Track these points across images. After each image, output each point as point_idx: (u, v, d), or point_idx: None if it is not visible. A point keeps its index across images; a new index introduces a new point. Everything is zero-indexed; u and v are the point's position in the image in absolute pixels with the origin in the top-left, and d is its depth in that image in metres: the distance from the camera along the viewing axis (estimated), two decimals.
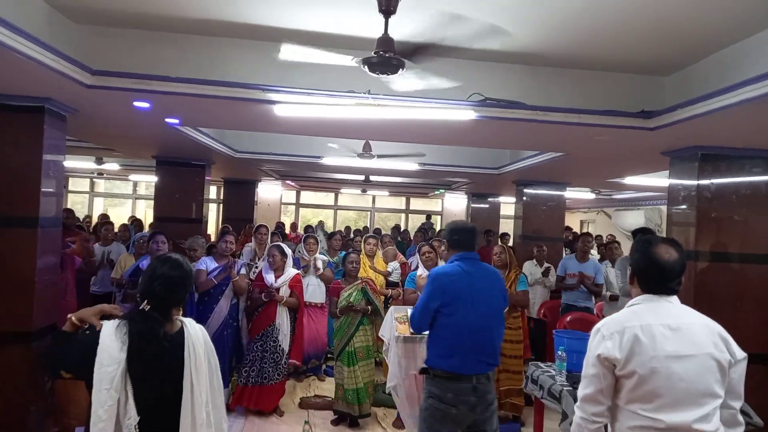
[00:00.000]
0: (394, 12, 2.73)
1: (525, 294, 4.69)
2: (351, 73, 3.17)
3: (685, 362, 1.81)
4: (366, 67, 2.78)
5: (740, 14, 2.87)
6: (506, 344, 4.67)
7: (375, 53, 2.75)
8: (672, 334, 1.84)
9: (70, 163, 9.76)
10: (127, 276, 4.64)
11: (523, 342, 4.86)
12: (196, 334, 1.95)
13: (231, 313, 4.63)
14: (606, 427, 1.92)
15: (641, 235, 2.09)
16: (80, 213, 12.58)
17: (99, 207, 14.97)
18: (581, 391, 1.95)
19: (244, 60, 3.66)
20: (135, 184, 14.96)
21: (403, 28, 3.04)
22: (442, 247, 4.48)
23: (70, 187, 14.51)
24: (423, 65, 3.06)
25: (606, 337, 1.87)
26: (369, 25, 3.11)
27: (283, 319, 4.68)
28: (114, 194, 15.84)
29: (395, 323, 3.94)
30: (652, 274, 1.94)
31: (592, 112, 3.81)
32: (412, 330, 3.07)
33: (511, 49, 3.55)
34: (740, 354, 1.89)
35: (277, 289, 4.63)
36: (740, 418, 1.93)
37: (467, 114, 3.71)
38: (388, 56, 2.71)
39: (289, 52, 3.08)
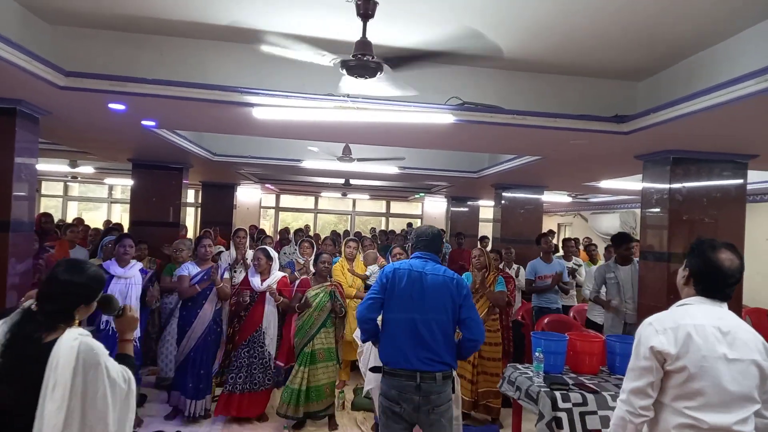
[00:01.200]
0: (372, 16, 2.75)
1: (502, 294, 4.72)
2: (330, 76, 3.18)
3: (732, 366, 1.86)
4: (344, 70, 2.79)
5: (710, 22, 2.96)
6: (484, 346, 4.69)
7: (353, 56, 2.76)
8: (722, 336, 1.88)
9: (43, 166, 9.55)
10: None
11: (502, 345, 4.89)
12: (68, 350, 1.71)
13: (215, 319, 4.56)
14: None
15: (702, 239, 2.12)
16: (54, 217, 12.31)
17: (73, 211, 14.68)
18: (629, 384, 1.95)
19: (223, 62, 3.65)
20: (110, 188, 14.71)
21: (383, 33, 3.06)
22: (410, 252, 4.50)
23: (43, 191, 14.20)
24: (402, 70, 3.08)
25: (659, 332, 1.90)
26: (347, 29, 3.12)
27: (269, 322, 4.62)
28: (89, 198, 15.56)
29: None
30: (713, 278, 1.98)
31: (567, 117, 3.88)
32: (358, 321, 3.01)
33: (491, 55, 3.60)
34: None
35: (263, 293, 4.57)
36: None
37: (445, 118, 3.74)
38: (366, 59, 2.72)
39: (268, 49, 3.06)
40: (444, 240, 9.60)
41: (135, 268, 4.25)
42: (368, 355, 3.85)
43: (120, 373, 1.82)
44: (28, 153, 3.96)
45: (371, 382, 3.75)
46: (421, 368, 2.77)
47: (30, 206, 4.08)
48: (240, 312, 4.70)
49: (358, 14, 2.74)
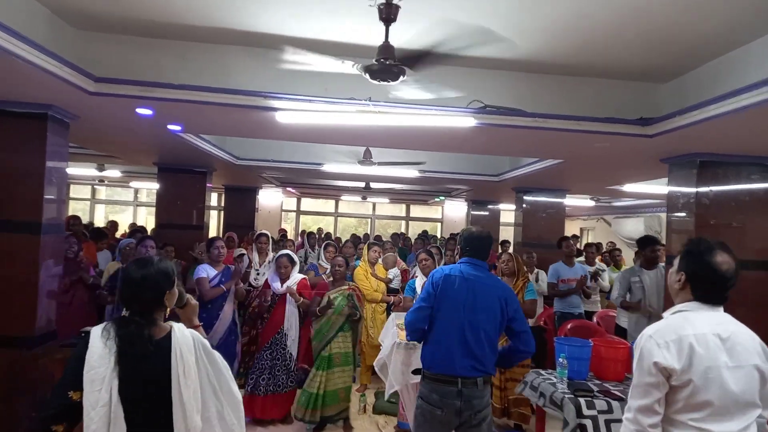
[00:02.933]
0: (394, 20, 2.76)
1: (533, 303, 4.67)
2: (352, 80, 3.21)
3: (736, 372, 1.82)
4: (367, 74, 2.82)
5: (735, 23, 2.91)
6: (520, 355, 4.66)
7: (376, 61, 2.78)
8: (722, 344, 1.84)
9: (72, 170, 9.77)
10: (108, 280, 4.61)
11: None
12: (185, 339, 1.88)
13: (234, 319, 4.63)
14: None
15: (697, 240, 2.03)
16: (82, 220, 12.59)
17: (100, 214, 15.00)
18: (635, 402, 1.87)
19: (247, 67, 3.70)
20: (136, 191, 14.99)
21: (403, 36, 3.07)
22: (456, 253, 4.48)
23: (72, 194, 14.54)
24: (423, 73, 3.09)
25: (661, 346, 1.83)
26: (370, 33, 3.14)
27: (291, 324, 4.64)
28: (115, 201, 15.88)
29: (396, 329, 3.94)
30: (710, 283, 1.91)
31: (591, 119, 3.84)
32: (407, 330, 3.05)
33: (511, 57, 3.58)
34: None
35: (283, 295, 4.61)
36: None
37: (467, 121, 3.74)
38: (388, 64, 2.74)
39: (291, 58, 3.10)
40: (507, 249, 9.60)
41: None
42: (390, 357, 3.85)
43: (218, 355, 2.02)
44: (58, 157, 4.07)
45: (394, 385, 3.75)
46: (463, 374, 2.77)
47: (60, 209, 4.18)
48: (263, 314, 4.74)
49: (381, 18, 2.76)
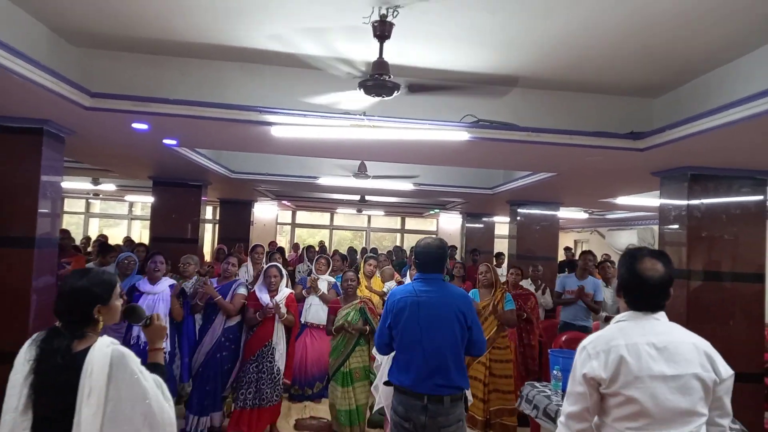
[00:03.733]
0: (388, 37, 2.81)
1: (512, 313, 4.69)
2: (346, 94, 3.24)
3: (671, 382, 1.80)
4: (362, 89, 2.85)
5: (725, 39, 2.97)
6: (495, 364, 4.66)
7: (371, 76, 2.81)
8: (658, 353, 1.82)
9: (66, 183, 9.75)
10: None
11: (513, 361, 4.84)
12: (101, 357, 1.74)
13: (226, 335, 4.53)
14: None
15: (630, 249, 2.04)
16: (76, 234, 12.56)
17: (94, 228, 14.94)
18: (567, 408, 1.92)
19: (242, 82, 3.73)
20: (131, 205, 14.96)
21: (397, 52, 3.12)
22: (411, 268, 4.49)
23: (66, 208, 14.48)
24: (419, 87, 3.14)
25: (592, 356, 1.85)
26: (364, 50, 3.18)
27: (279, 338, 4.61)
28: (109, 215, 15.82)
29: None
30: (637, 290, 1.92)
31: (582, 134, 3.89)
32: (377, 350, 3.06)
33: (503, 72, 3.63)
34: (726, 372, 1.87)
35: (277, 304, 4.58)
36: None
37: (460, 135, 3.78)
38: (383, 79, 2.77)
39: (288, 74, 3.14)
40: (454, 256, 9.61)
41: (164, 283, 4.32)
42: (384, 369, 3.84)
43: (152, 379, 1.85)
44: (53, 171, 4.07)
45: (383, 400, 3.74)
46: (428, 392, 2.75)
47: (54, 223, 4.18)
48: (249, 329, 4.70)
49: (375, 35, 2.80)
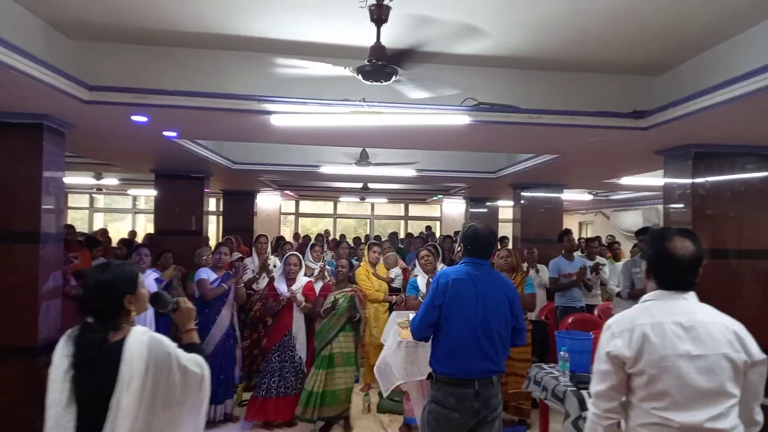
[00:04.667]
0: (385, 21, 2.77)
1: (532, 296, 4.68)
2: (346, 81, 3.21)
3: (697, 362, 1.78)
4: (360, 75, 2.82)
5: (726, 13, 2.93)
6: (513, 347, 4.68)
7: (368, 61, 2.79)
8: (684, 332, 1.81)
9: (69, 179, 9.76)
10: None
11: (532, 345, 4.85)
12: (139, 345, 1.81)
13: (232, 324, 4.64)
14: (619, 423, 1.90)
15: (658, 229, 2.03)
16: (80, 229, 12.61)
17: (99, 222, 14.99)
18: (593, 387, 1.92)
19: (240, 72, 3.71)
20: (134, 199, 14.98)
21: (393, 35, 3.08)
22: (457, 248, 4.47)
23: (70, 203, 14.52)
24: (416, 72, 3.10)
25: (616, 335, 1.85)
26: (362, 34, 3.15)
27: (299, 327, 4.65)
28: (113, 209, 15.88)
29: (398, 328, 3.94)
30: (667, 268, 1.90)
31: (584, 114, 3.86)
32: (414, 334, 3.04)
33: (502, 54, 3.60)
34: (759, 355, 1.85)
35: (295, 294, 4.60)
36: (758, 417, 1.91)
37: (461, 119, 3.75)
38: (381, 64, 2.75)
39: (285, 65, 3.12)
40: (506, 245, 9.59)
41: (150, 276, 4.44)
42: (394, 355, 3.84)
43: (192, 360, 1.93)
44: (55, 166, 4.07)
45: (394, 381, 3.75)
46: (480, 376, 2.76)
47: (58, 218, 4.19)
48: (265, 317, 4.73)
49: (372, 20, 2.77)
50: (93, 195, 14.62)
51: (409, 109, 3.68)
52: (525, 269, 4.93)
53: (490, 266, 3.00)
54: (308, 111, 3.64)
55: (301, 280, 4.70)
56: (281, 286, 4.65)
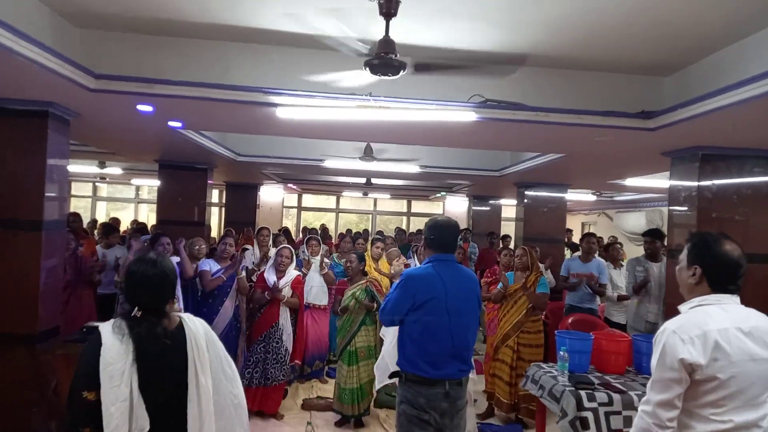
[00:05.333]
0: (394, 14, 2.75)
1: (544, 296, 4.67)
2: (352, 74, 3.20)
3: (759, 365, 1.83)
4: (367, 69, 2.81)
5: (738, 15, 2.89)
6: (525, 348, 4.66)
7: (376, 55, 2.77)
8: (745, 337, 1.84)
9: (73, 167, 9.75)
10: None
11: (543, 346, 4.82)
12: (196, 328, 1.96)
13: (236, 315, 4.66)
14: None
15: (701, 234, 2.04)
16: (84, 218, 12.65)
17: (102, 211, 15.02)
18: (656, 397, 1.87)
19: (246, 63, 3.69)
20: (138, 188, 15.00)
21: (404, 30, 3.06)
22: (420, 246, 4.47)
23: (73, 192, 14.53)
24: (425, 68, 3.09)
25: (686, 341, 1.82)
26: (370, 28, 3.12)
27: (286, 319, 4.69)
28: (117, 198, 15.90)
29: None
30: (725, 272, 1.93)
31: (592, 113, 3.83)
32: (382, 321, 2.94)
33: (511, 51, 3.57)
34: None
35: (281, 289, 4.63)
36: None
37: (468, 115, 3.73)
38: (389, 58, 2.73)
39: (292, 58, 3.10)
40: (468, 239, 9.61)
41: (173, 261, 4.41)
42: (387, 349, 3.84)
43: None
44: (59, 155, 4.07)
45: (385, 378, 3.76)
46: (449, 377, 2.72)
47: (62, 206, 4.19)
48: (258, 310, 4.75)
49: (381, 13, 2.75)
50: (96, 184, 14.63)
51: (415, 104, 3.66)
52: (539, 269, 4.90)
53: (455, 261, 2.90)
54: (314, 104, 3.61)
55: (291, 273, 4.71)
56: (270, 277, 4.66)
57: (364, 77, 2.96)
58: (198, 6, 3.12)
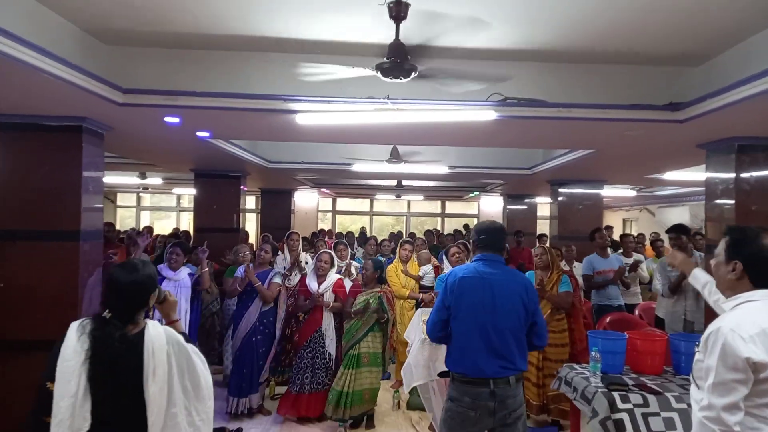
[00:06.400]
0: (404, 18, 2.76)
1: (568, 295, 4.57)
2: (370, 79, 3.21)
3: None
4: (379, 72, 2.82)
5: (765, 2, 2.76)
6: (550, 348, 4.56)
7: (387, 59, 2.78)
8: None
9: (117, 178, 10.20)
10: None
11: (572, 346, 4.71)
12: (158, 336, 1.91)
13: (261, 320, 4.70)
14: None
15: (741, 228, 1.99)
16: (129, 226, 13.17)
17: (146, 220, 15.58)
18: (720, 401, 1.78)
19: (266, 72, 3.76)
20: (179, 197, 15.49)
21: (416, 31, 3.05)
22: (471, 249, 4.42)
23: (119, 202, 15.16)
24: (441, 68, 3.07)
25: (747, 341, 1.75)
26: (382, 32, 3.13)
27: (329, 324, 4.72)
28: (159, 207, 16.45)
29: (422, 325, 3.93)
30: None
31: (617, 107, 3.73)
32: (429, 336, 2.98)
33: (531, 47, 3.51)
34: None
35: (322, 295, 4.68)
36: None
37: (488, 114, 3.69)
38: (399, 61, 2.73)
39: (310, 67, 3.15)
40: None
41: (183, 272, 4.65)
42: (417, 353, 3.84)
43: (191, 348, 2.03)
44: (94, 167, 4.24)
45: (418, 379, 3.75)
46: (494, 375, 2.72)
47: (98, 217, 4.37)
48: (298, 314, 4.81)
49: (391, 17, 2.76)
50: (140, 194, 15.19)
51: (433, 105, 3.65)
52: (562, 267, 4.79)
53: (501, 261, 2.93)
54: (333, 110, 3.65)
55: (332, 277, 4.75)
56: (312, 283, 4.72)
57: (380, 81, 2.96)
58: (216, 18, 3.20)
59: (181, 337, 1.99)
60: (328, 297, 4.73)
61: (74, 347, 1.86)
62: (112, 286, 1.98)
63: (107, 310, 1.95)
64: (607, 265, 5.86)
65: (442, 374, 2.98)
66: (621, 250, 6.79)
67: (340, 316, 4.82)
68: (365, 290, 4.67)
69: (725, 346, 1.77)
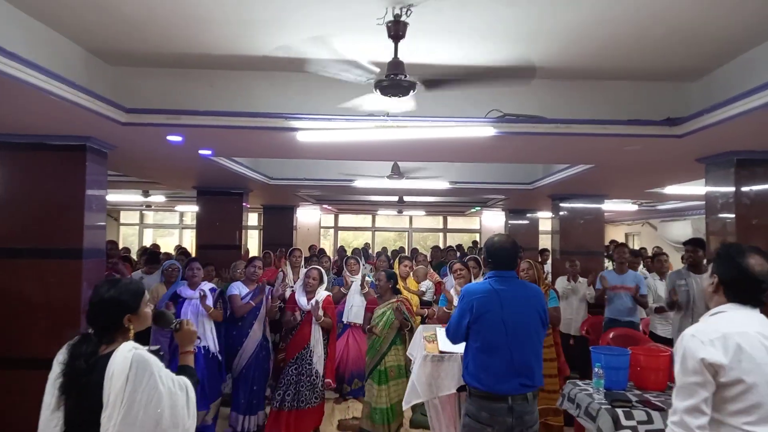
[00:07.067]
0: (402, 36, 2.80)
1: (556, 310, 4.57)
2: (369, 96, 3.24)
3: None
4: (378, 90, 2.85)
5: (761, 16, 2.80)
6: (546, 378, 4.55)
7: (386, 77, 2.82)
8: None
9: (120, 196, 10.26)
10: (162, 303, 4.64)
11: (558, 359, 4.71)
12: (121, 362, 1.81)
13: (265, 337, 4.72)
14: None
15: (728, 244, 2.04)
16: (133, 245, 13.20)
17: (149, 238, 15.61)
18: (682, 403, 1.81)
19: (267, 90, 3.81)
20: (181, 215, 15.54)
21: (414, 50, 3.09)
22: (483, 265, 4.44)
23: (122, 220, 15.21)
24: (441, 85, 3.11)
25: (706, 343, 1.79)
26: (382, 50, 3.18)
27: (317, 341, 4.67)
28: (162, 225, 16.49)
29: (423, 342, 3.92)
30: (744, 285, 1.91)
31: (615, 123, 3.76)
32: (449, 341, 3.02)
33: (526, 64, 3.55)
34: None
35: (309, 312, 4.66)
36: None
37: (486, 131, 3.72)
38: (398, 79, 2.77)
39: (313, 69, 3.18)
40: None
41: (204, 288, 4.53)
42: (420, 369, 3.82)
43: (175, 381, 1.91)
44: (97, 185, 4.28)
45: (418, 396, 3.73)
46: (512, 392, 2.74)
47: (100, 235, 4.39)
48: (289, 332, 4.78)
49: (389, 36, 2.80)
50: (143, 211, 15.25)
51: (433, 122, 3.69)
52: (547, 283, 4.79)
53: (515, 277, 2.97)
54: (333, 127, 3.69)
55: (320, 294, 4.71)
56: (301, 299, 4.67)
57: (380, 98, 3.00)
58: (217, 39, 3.25)
59: (154, 371, 1.84)
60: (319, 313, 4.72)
61: (58, 359, 1.90)
62: (90, 301, 1.97)
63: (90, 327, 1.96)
64: (619, 281, 5.82)
65: (460, 389, 2.99)
66: (642, 266, 6.72)
67: (329, 333, 4.78)
68: (381, 302, 4.67)
69: (685, 350, 1.83)
